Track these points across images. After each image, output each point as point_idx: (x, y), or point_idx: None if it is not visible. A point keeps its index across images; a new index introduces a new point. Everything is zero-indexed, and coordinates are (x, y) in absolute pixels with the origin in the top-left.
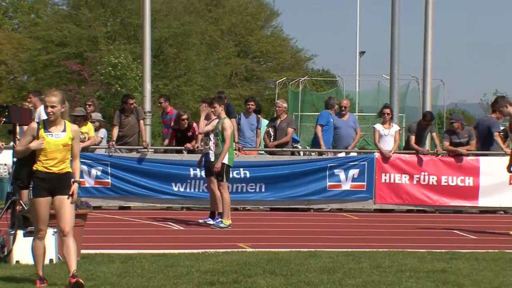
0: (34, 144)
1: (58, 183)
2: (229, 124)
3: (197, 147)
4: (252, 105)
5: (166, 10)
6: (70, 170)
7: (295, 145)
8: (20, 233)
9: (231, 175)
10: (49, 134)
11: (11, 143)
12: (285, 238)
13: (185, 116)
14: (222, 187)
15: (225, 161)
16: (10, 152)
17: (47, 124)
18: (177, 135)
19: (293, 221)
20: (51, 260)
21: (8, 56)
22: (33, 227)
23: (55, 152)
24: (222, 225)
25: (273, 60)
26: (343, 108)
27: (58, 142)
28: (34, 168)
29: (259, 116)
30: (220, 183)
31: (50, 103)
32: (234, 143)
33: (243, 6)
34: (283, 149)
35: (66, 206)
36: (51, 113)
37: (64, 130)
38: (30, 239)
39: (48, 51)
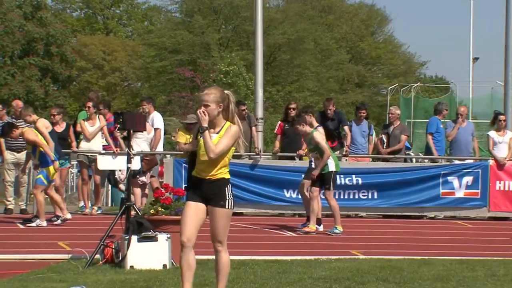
0: (185, 146)
1: (209, 191)
2: (320, 136)
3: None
4: (363, 113)
5: (281, 18)
6: (225, 176)
7: (407, 152)
8: (134, 238)
9: (343, 182)
10: (201, 134)
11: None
12: (398, 246)
13: (293, 105)
14: (328, 195)
15: (333, 168)
16: (125, 158)
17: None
18: (285, 127)
19: (406, 229)
20: (164, 266)
21: (123, 63)
22: (147, 233)
23: (205, 154)
24: (336, 231)
25: (385, 66)
26: (459, 115)
27: None
28: (192, 173)
29: (371, 123)
30: (327, 191)
31: (203, 102)
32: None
33: (353, 13)
34: (396, 156)
35: (216, 217)
36: (204, 113)
37: (218, 132)
38: (144, 244)
39: (162, 58)
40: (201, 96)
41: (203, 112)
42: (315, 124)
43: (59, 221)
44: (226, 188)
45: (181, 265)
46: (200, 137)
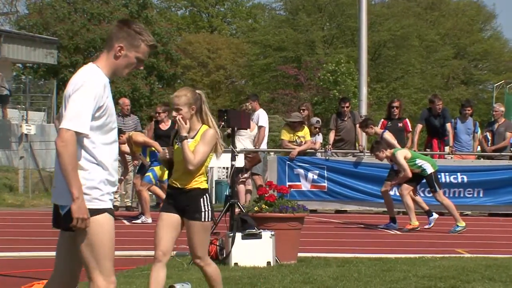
0: (160, 154)
1: (183, 202)
2: (400, 156)
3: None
4: (468, 110)
5: (387, 14)
6: (200, 186)
7: None
8: (238, 235)
9: (448, 180)
10: (178, 142)
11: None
12: (504, 244)
13: (396, 103)
14: (437, 196)
15: (430, 169)
16: (229, 155)
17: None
18: (388, 124)
19: None
20: (268, 263)
21: (227, 60)
22: (251, 230)
23: (179, 162)
24: (458, 228)
25: (491, 63)
26: None
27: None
28: (168, 181)
29: (476, 120)
30: (435, 193)
31: (174, 106)
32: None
33: (461, 9)
34: (501, 153)
35: (191, 231)
36: (183, 121)
37: (193, 137)
38: (248, 242)
39: (266, 56)
40: (171, 99)
41: (183, 119)
42: (380, 131)
43: None
44: (202, 199)
45: (150, 281)
46: (177, 144)
